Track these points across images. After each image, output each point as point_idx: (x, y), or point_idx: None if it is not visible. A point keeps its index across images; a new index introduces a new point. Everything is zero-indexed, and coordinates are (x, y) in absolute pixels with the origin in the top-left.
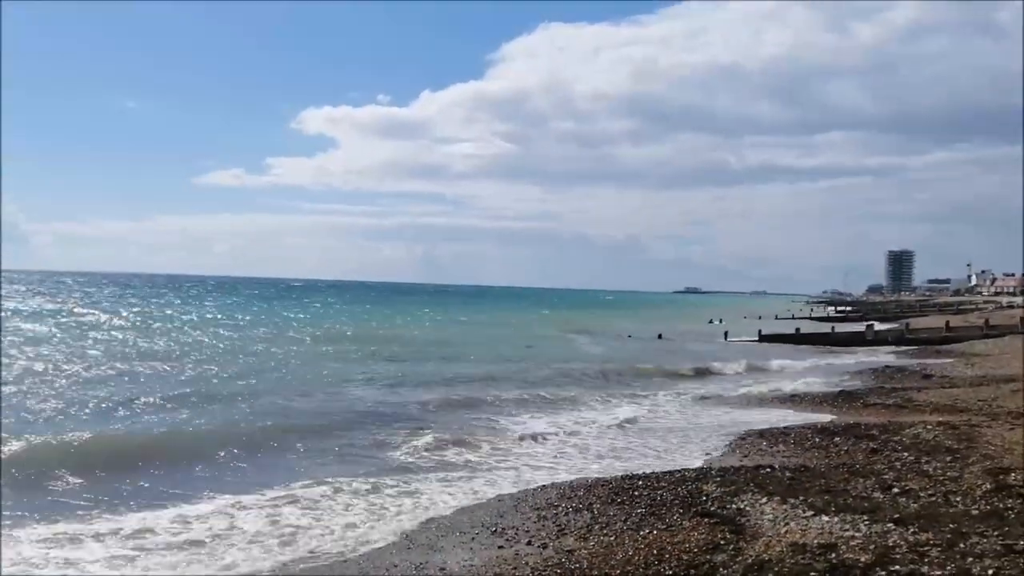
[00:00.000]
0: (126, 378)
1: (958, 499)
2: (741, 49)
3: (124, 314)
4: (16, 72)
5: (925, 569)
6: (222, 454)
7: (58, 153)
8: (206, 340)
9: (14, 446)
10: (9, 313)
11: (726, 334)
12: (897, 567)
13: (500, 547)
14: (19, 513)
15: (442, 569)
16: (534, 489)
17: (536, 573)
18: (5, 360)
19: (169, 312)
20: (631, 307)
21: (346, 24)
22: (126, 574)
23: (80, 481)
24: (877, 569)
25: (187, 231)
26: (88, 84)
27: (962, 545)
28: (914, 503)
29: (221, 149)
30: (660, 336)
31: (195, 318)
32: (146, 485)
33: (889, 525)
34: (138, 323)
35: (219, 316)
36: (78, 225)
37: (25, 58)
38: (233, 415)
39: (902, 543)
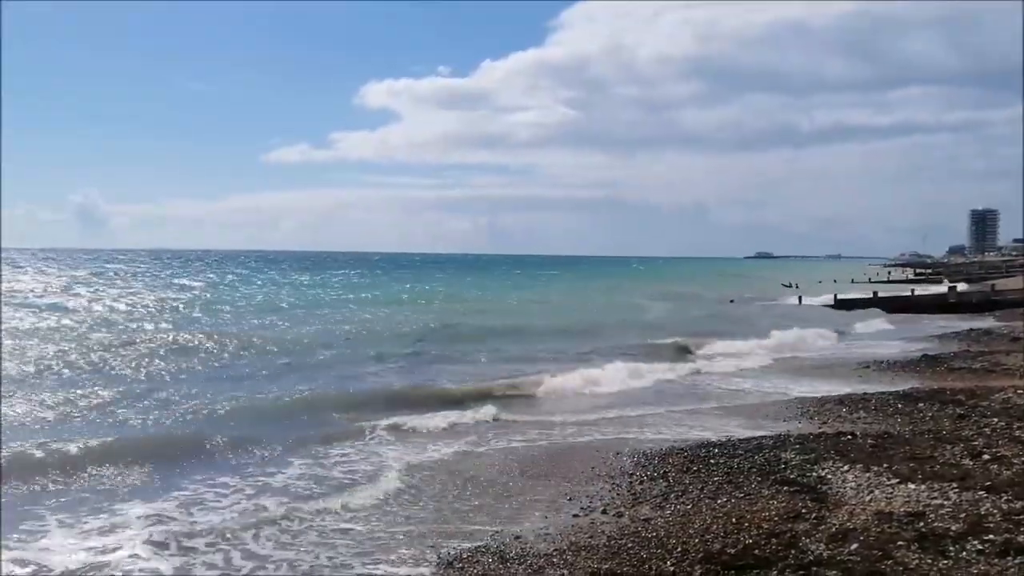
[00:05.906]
0: None
1: None
2: (810, 4)
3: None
4: (85, 61)
5: (1021, 538)
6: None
7: (131, 138)
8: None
9: None
10: None
11: (800, 299)
12: (991, 536)
13: (575, 515)
14: None
15: (517, 537)
16: (608, 457)
17: (613, 542)
18: None
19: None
20: (698, 278)
21: None
22: None
23: None
24: (970, 538)
25: (257, 208)
26: (155, 68)
27: None
28: (1007, 470)
29: (286, 126)
30: (732, 301)
31: None
32: None
33: (981, 493)
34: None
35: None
36: (154, 207)
37: (94, 45)
38: None
39: (995, 511)
